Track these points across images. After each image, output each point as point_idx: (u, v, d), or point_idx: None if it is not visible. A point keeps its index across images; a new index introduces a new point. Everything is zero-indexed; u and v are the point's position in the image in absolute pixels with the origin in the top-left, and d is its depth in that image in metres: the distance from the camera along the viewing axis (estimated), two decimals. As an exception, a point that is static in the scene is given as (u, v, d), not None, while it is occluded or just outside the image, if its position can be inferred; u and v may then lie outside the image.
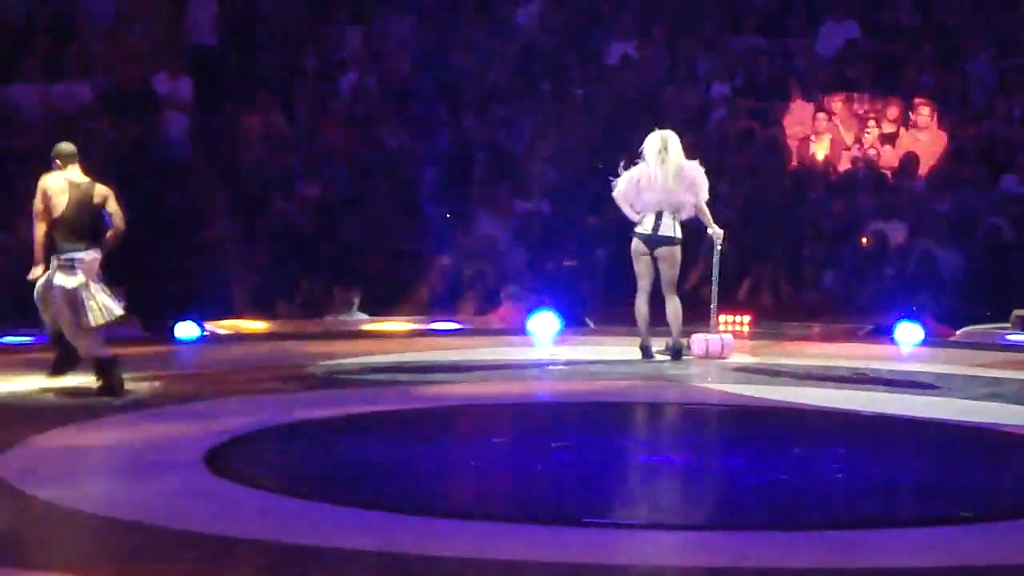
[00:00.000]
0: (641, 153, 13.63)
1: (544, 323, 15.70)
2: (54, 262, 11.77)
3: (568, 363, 13.96)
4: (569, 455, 9.88)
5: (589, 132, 18.83)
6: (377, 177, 18.57)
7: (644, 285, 13.68)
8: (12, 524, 8.11)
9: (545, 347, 15.03)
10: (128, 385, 12.14)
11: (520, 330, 15.79)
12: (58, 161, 11.83)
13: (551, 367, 13.91)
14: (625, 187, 13.62)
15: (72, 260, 11.69)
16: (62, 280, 11.69)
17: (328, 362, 13.81)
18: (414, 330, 16.08)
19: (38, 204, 11.68)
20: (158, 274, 16.55)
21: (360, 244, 17.68)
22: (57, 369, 12.07)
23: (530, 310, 16.06)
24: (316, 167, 18.71)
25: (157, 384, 12.43)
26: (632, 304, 13.82)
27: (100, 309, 11.75)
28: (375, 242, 17.78)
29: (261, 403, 11.60)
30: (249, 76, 19.40)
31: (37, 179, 15.89)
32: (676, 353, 13.72)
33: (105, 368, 11.78)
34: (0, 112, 17.90)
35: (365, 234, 17.83)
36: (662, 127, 13.88)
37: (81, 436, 10.41)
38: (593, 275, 17.58)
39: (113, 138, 18.05)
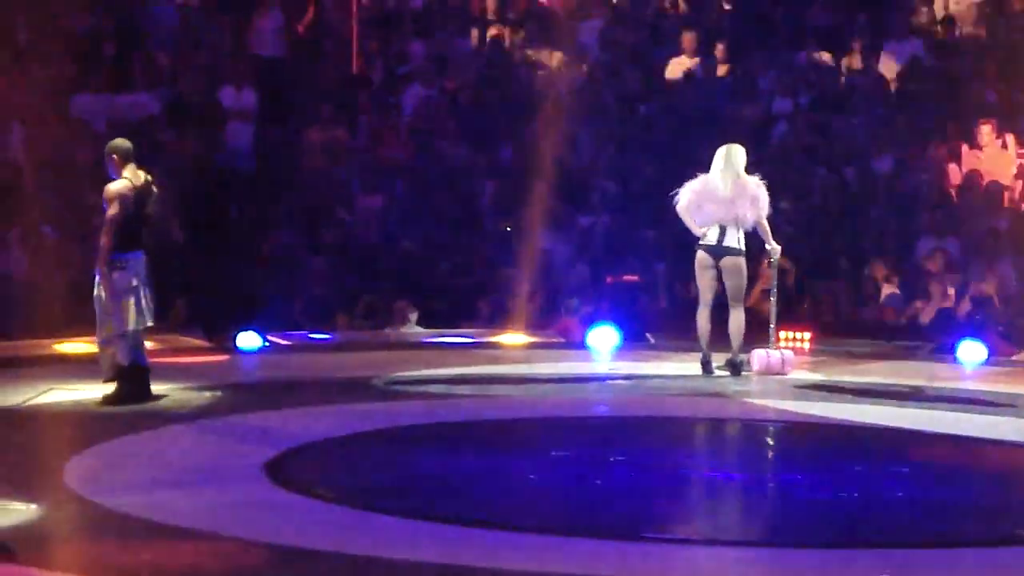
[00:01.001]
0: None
1: (604, 337, 15.70)
2: (108, 265, 11.71)
3: (627, 377, 13.95)
4: (628, 470, 9.89)
5: (651, 147, 18.83)
6: (438, 190, 18.63)
7: (707, 299, 13.67)
8: (76, 531, 8.20)
9: (605, 361, 15.03)
10: (190, 395, 12.23)
11: (580, 344, 15.80)
12: (115, 157, 11.77)
13: (610, 381, 13.91)
14: (687, 200, 13.61)
15: (126, 262, 11.72)
16: (118, 280, 11.70)
17: (388, 374, 13.85)
18: (474, 343, 16.10)
19: (116, 211, 11.66)
20: (221, 285, 16.68)
21: (420, 257, 17.74)
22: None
23: (590, 324, 16.06)
24: (378, 180, 18.80)
25: (219, 394, 12.51)
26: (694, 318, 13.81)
27: (142, 313, 11.76)
28: (435, 255, 17.83)
29: (321, 414, 11.66)
30: (313, 88, 19.51)
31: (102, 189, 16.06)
32: (735, 368, 13.70)
33: (123, 376, 11.80)
34: (67, 123, 18.07)
35: (425, 247, 17.89)
36: (722, 142, 13.87)
37: (143, 445, 10.50)
38: (653, 289, 17.57)
39: (178, 149, 18.20)
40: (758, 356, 13.86)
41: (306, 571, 7.50)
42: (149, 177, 11.88)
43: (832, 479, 9.68)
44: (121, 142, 11.88)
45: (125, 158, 11.75)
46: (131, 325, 11.73)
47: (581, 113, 19.26)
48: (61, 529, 8.21)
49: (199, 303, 16.35)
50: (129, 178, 11.72)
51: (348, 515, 8.56)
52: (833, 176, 18.62)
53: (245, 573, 7.43)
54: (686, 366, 14.18)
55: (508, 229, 18.17)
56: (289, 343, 15.66)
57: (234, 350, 15.08)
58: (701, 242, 13.58)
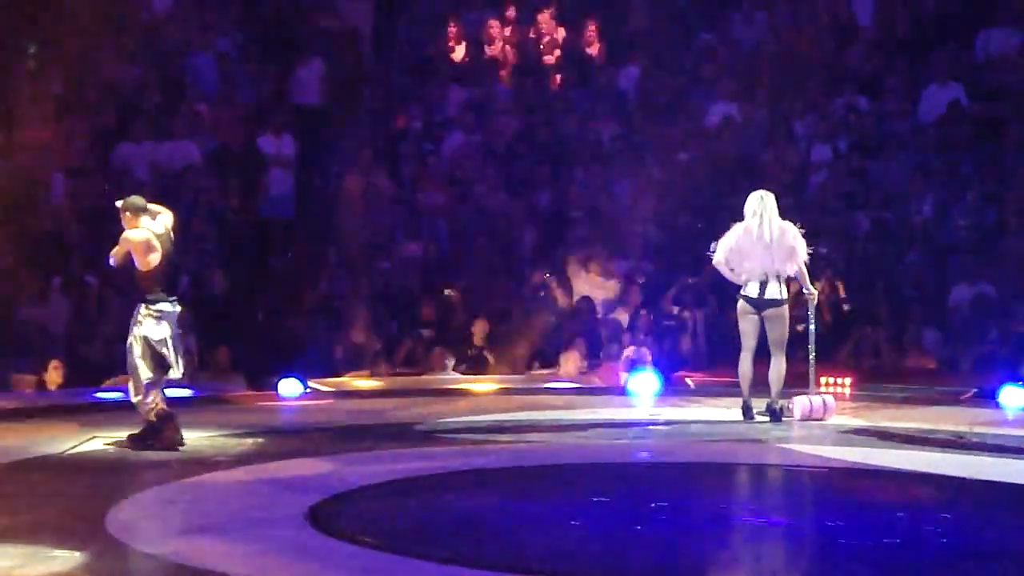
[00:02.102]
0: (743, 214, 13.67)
1: (644, 383, 15.69)
2: (142, 311, 11.85)
3: (668, 423, 13.93)
4: (668, 515, 9.87)
5: (690, 193, 18.86)
6: (477, 237, 18.69)
7: (749, 344, 13.66)
8: (118, 577, 8.24)
9: (645, 406, 15.01)
10: (232, 442, 12.29)
11: (620, 390, 15.79)
12: (127, 213, 11.83)
13: (651, 427, 13.89)
14: (724, 254, 13.62)
15: (161, 312, 11.79)
16: (150, 330, 11.80)
17: (429, 420, 13.87)
18: (514, 389, 16.09)
19: (154, 257, 11.73)
20: (262, 331, 16.77)
21: (459, 303, 17.78)
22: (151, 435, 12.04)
23: (630, 369, 16.05)
24: (417, 227, 18.87)
25: (261, 441, 12.55)
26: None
27: (175, 363, 11.83)
28: (475, 302, 17.87)
29: (363, 460, 11.68)
30: (353, 136, 19.63)
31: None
32: (775, 415, 13.67)
33: (154, 426, 11.86)
34: (111, 171, 18.22)
35: (465, 294, 17.94)
36: (761, 188, 13.89)
37: (185, 492, 10.53)
38: (693, 335, 17.56)
39: (219, 197, 18.33)
40: (799, 403, 13.83)
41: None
42: (166, 222, 11.95)
43: (874, 525, 9.64)
44: (134, 199, 11.99)
45: (136, 213, 11.85)
46: (161, 373, 11.80)
47: (620, 160, 19.31)
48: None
49: (241, 350, 16.43)
50: (148, 227, 11.80)
51: (391, 561, 8.57)
52: (872, 221, 18.60)
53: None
54: (726, 411, 14.16)
55: (548, 276, 18.20)
56: (330, 390, 15.70)
57: (275, 397, 15.13)
58: (743, 292, 13.59)
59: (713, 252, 13.71)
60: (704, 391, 15.72)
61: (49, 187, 17.77)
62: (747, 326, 13.62)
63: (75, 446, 12.25)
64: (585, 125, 20.00)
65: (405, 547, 8.79)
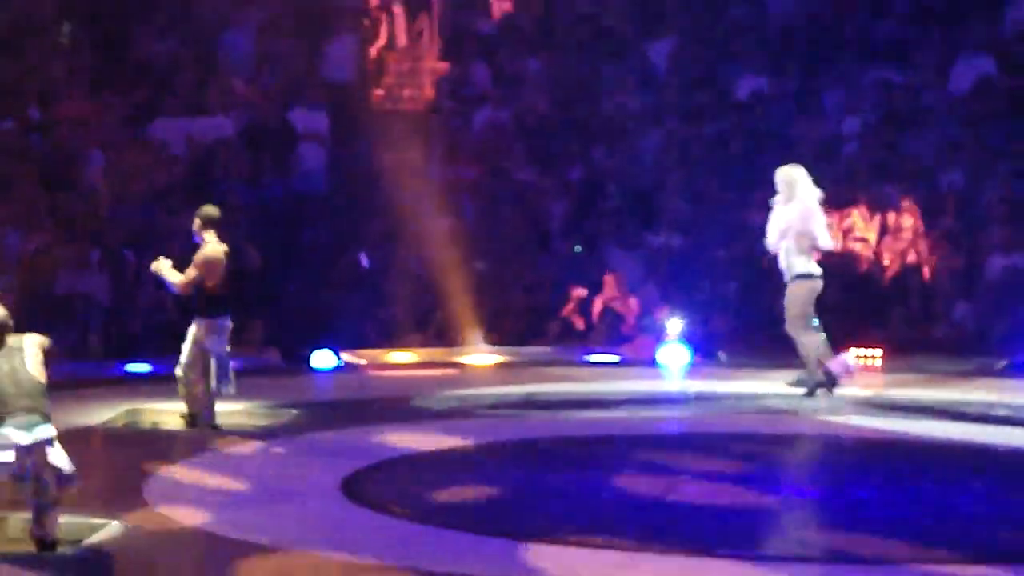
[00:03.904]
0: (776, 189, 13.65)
1: (675, 356, 15.76)
2: (201, 324, 11.86)
3: (699, 395, 13.98)
4: (700, 486, 9.94)
5: (720, 166, 18.86)
6: (507, 211, 18.74)
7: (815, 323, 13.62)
8: (155, 548, 8.36)
9: (676, 380, 15.08)
10: (266, 414, 12.42)
11: (651, 362, 15.84)
12: (198, 220, 11.93)
13: (682, 399, 13.96)
14: (776, 237, 13.57)
15: (222, 328, 11.89)
16: (212, 344, 11.85)
17: (461, 392, 13.96)
18: (544, 362, 16.16)
19: (191, 273, 11.75)
20: (296, 305, 16.88)
21: (490, 277, 17.84)
22: (190, 422, 12.13)
23: (661, 343, 16.11)
24: (448, 201, 18.92)
25: (294, 413, 12.66)
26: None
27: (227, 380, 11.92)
28: (505, 275, 17.94)
29: (396, 431, 11.78)
30: (385, 110, 19.68)
31: (179, 212, 16.30)
32: (810, 386, 13.59)
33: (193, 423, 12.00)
34: (145, 148, 18.34)
35: (495, 267, 18.00)
36: (791, 161, 13.90)
37: (220, 463, 10.66)
38: (724, 308, 17.59)
39: (252, 171, 18.43)
40: (840, 363, 13.73)
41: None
42: (225, 248, 12.01)
43: (907, 496, 9.70)
44: (208, 208, 12.07)
45: (205, 224, 11.92)
46: (213, 388, 11.86)
47: (650, 133, 19.33)
48: (142, 545, 8.37)
49: (275, 323, 16.55)
50: (219, 243, 11.88)
51: (423, 532, 8.67)
52: (901, 191, 18.58)
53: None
54: (757, 384, 14.21)
55: (578, 249, 18.25)
56: (363, 362, 15.81)
57: (309, 369, 15.24)
58: (816, 274, 13.50)
59: (772, 242, 13.58)
60: (736, 364, 15.76)
61: (86, 162, 17.89)
62: (812, 306, 13.57)
63: (113, 417, 12.40)
64: (616, 99, 20.01)
65: (438, 518, 8.89)
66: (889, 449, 11.50)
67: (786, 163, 13.94)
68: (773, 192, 13.76)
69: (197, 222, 11.95)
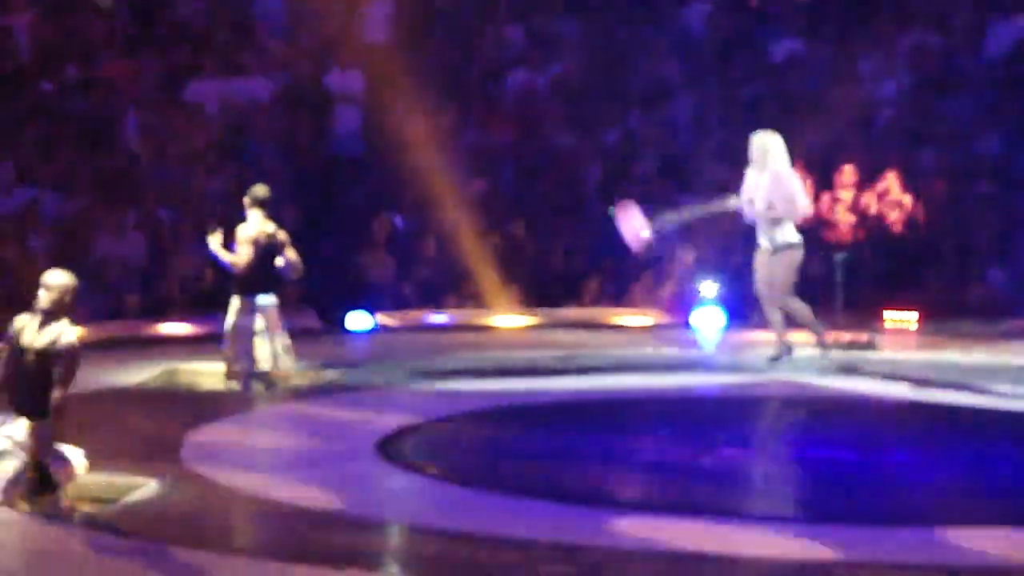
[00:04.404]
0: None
1: (710, 319, 15.78)
2: (236, 303, 11.96)
3: (733, 358, 14.01)
4: (735, 450, 9.98)
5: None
6: (542, 175, 18.75)
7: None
8: (194, 508, 8.45)
9: (711, 343, 15.10)
10: (304, 375, 12.50)
11: (685, 325, 15.87)
12: (246, 199, 12.06)
13: (716, 362, 13.99)
14: (760, 205, 13.35)
15: (255, 306, 11.93)
16: (243, 321, 11.90)
17: (495, 354, 14.01)
18: (579, 325, 16.19)
19: (242, 259, 11.85)
20: (332, 267, 16.94)
21: (525, 240, 17.88)
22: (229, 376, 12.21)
23: (696, 306, 16.13)
24: (483, 164, 18.95)
25: (330, 374, 12.74)
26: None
27: (270, 357, 11.95)
28: (540, 238, 17.96)
29: (432, 394, 11.85)
30: (421, 73, 19.69)
31: (215, 173, 16.39)
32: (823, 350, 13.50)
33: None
34: (181, 109, 18.41)
35: (530, 230, 18.03)
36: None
37: (257, 424, 10.76)
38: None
39: (288, 132, 18.49)
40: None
41: (416, 546, 7.69)
42: (275, 227, 12.07)
43: (940, 460, 9.74)
44: (258, 187, 12.17)
45: (253, 203, 12.03)
46: (262, 367, 11.91)
47: (686, 97, 19.30)
48: (178, 505, 8.46)
49: (311, 285, 16.63)
50: (260, 223, 11.96)
51: (459, 493, 8.74)
52: (937, 155, 18.53)
53: (358, 549, 7.62)
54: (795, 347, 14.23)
55: (614, 211, 18.25)
56: (399, 324, 15.88)
57: (345, 331, 15.32)
58: (798, 243, 13.30)
59: (804, 204, 13.47)
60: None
61: (123, 124, 17.97)
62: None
63: (151, 378, 12.50)
64: (652, 62, 19.98)
65: (473, 479, 8.96)
66: (921, 412, 11.51)
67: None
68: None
69: (247, 200, 12.04)
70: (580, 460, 9.70)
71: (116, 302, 15.75)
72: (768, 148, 13.38)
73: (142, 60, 18.69)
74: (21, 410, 8.32)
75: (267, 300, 11.99)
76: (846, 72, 19.52)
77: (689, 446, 10.09)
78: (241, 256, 11.84)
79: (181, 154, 17.68)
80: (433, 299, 17.06)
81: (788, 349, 13.29)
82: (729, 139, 18.77)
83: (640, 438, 10.41)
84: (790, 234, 13.21)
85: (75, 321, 8.50)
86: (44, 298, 8.38)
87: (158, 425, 10.58)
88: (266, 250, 11.96)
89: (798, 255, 13.23)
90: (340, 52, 19.55)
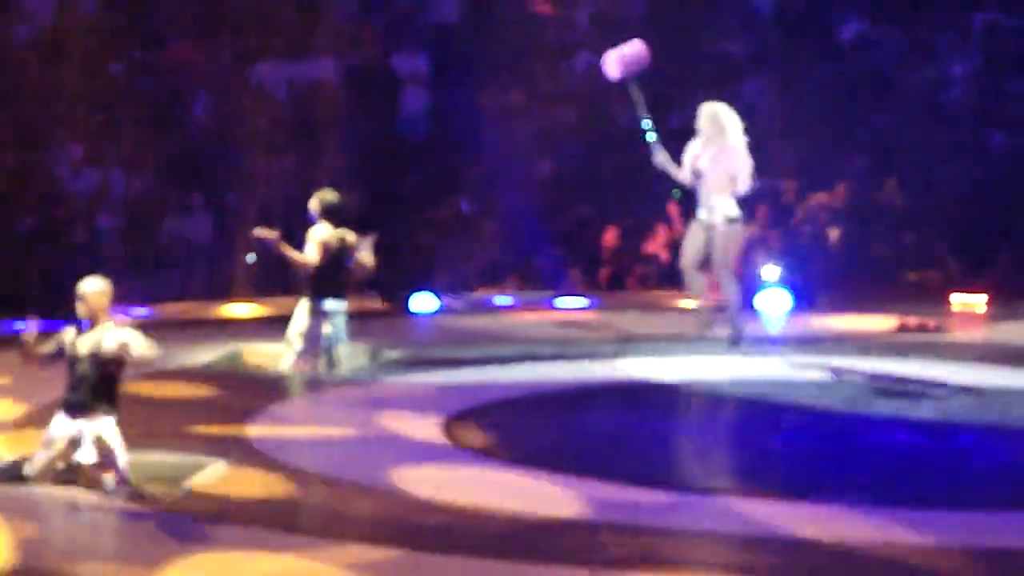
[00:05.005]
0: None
1: (773, 300, 15.70)
2: (305, 305, 11.91)
3: (798, 340, 13.94)
4: (801, 431, 9.94)
5: (823, 109, 18.70)
6: (607, 155, 18.72)
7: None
8: (260, 488, 8.49)
9: (774, 324, 15.03)
10: (368, 356, 12.54)
11: (748, 307, 15.78)
12: (313, 205, 11.96)
13: (779, 344, 13.93)
14: (713, 175, 12.91)
15: (323, 310, 11.88)
16: (311, 325, 11.87)
17: (558, 335, 14.00)
18: (642, 307, 16.15)
19: (311, 259, 11.82)
20: (397, 248, 16.99)
21: (592, 220, 17.87)
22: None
23: (759, 287, 16.06)
24: (550, 144, 18.93)
25: (396, 355, 12.77)
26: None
27: (333, 364, 11.97)
28: (604, 219, 17.94)
29: (496, 375, 11.85)
30: (489, 54, 19.69)
31: (281, 155, 16.44)
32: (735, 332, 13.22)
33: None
34: (249, 91, 18.49)
35: (595, 211, 18.01)
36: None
37: (322, 405, 10.80)
38: (826, 252, 17.49)
39: (355, 114, 18.54)
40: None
41: (479, 529, 7.70)
42: (345, 231, 12.05)
43: (1008, 444, 9.67)
44: (327, 194, 12.09)
45: (323, 211, 11.95)
46: (322, 369, 11.95)
47: (752, 77, 19.20)
48: (245, 485, 8.51)
49: (376, 266, 16.67)
50: (329, 227, 11.91)
51: (524, 474, 8.75)
52: (1008, 138, 18.38)
53: (421, 530, 7.65)
54: (857, 328, 14.15)
55: (676, 194, 18.20)
56: (463, 305, 15.90)
57: (410, 312, 15.35)
58: (740, 218, 13.00)
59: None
60: (834, 308, 15.67)
61: (191, 105, 18.08)
62: None
63: (217, 358, 12.57)
64: (719, 44, 19.89)
65: (538, 461, 8.96)
66: (989, 396, 11.39)
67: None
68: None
69: (315, 205, 11.97)
70: (647, 442, 9.67)
71: (182, 282, 15.86)
72: (724, 119, 12.99)
73: (210, 42, 18.78)
74: (83, 411, 8.42)
75: (336, 306, 11.97)
76: (915, 53, 19.37)
77: (759, 427, 10.04)
78: (311, 256, 11.82)
79: (248, 136, 17.77)
80: (497, 280, 17.07)
81: (740, 333, 12.99)
82: (796, 120, 18.69)
83: (703, 418, 10.36)
84: (736, 208, 12.88)
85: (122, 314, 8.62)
86: (81, 309, 8.48)
87: (224, 405, 10.64)
88: (337, 255, 11.93)
89: (741, 228, 13.02)
90: (407, 33, 19.58)
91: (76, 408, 8.44)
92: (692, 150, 12.99)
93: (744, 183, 12.81)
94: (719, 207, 12.77)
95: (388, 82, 19.03)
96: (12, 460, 8.72)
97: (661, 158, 13.09)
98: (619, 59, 13.01)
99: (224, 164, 17.34)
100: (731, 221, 12.80)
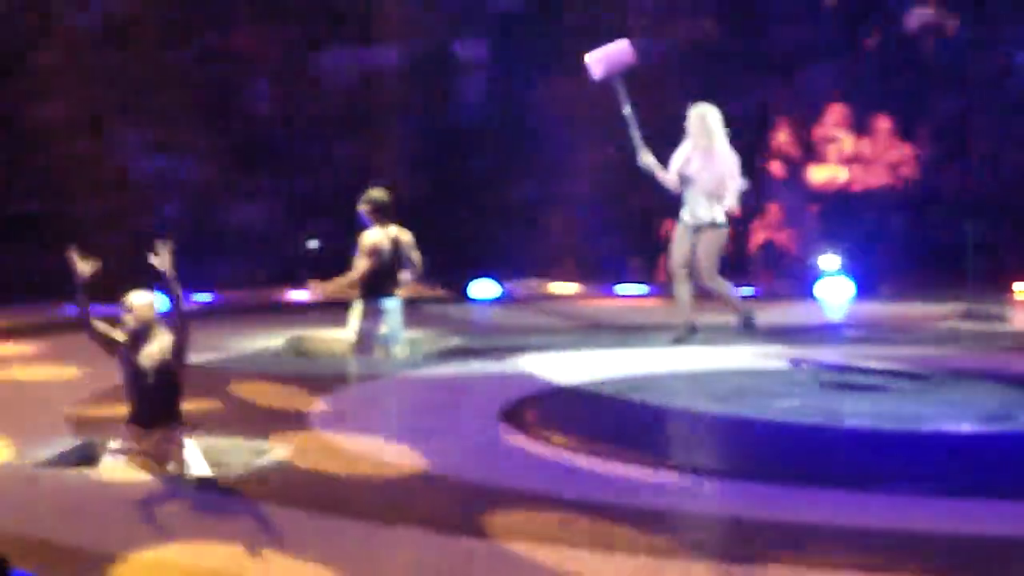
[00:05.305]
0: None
1: (835, 289, 15.65)
2: (359, 307, 11.97)
3: (862, 328, 13.88)
4: (868, 420, 9.88)
5: (887, 98, 18.60)
6: (671, 143, 18.65)
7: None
8: (321, 473, 8.53)
9: (837, 312, 14.97)
10: (427, 342, 12.58)
11: (810, 295, 15.74)
12: (366, 206, 11.96)
13: (844, 332, 13.87)
14: (709, 179, 12.76)
15: (378, 310, 11.91)
16: (366, 325, 11.94)
17: (620, 323, 13.99)
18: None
19: (361, 269, 11.85)
20: (457, 235, 17.03)
21: (653, 208, 17.82)
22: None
23: (820, 276, 16.01)
24: (610, 131, 18.88)
25: (455, 342, 12.80)
26: None
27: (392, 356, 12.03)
28: (664, 207, 17.89)
29: (560, 361, 11.85)
30: (549, 40, 19.68)
31: (344, 142, 16.48)
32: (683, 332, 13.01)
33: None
34: (311, 78, 18.56)
35: (654, 199, 17.95)
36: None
37: (383, 391, 10.84)
38: (888, 241, 17.41)
39: (416, 102, 18.58)
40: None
41: (535, 513, 7.70)
42: (398, 229, 12.06)
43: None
44: (376, 193, 12.10)
45: (374, 210, 11.96)
46: (381, 357, 11.96)
47: (816, 65, 19.11)
48: (306, 470, 8.56)
49: (436, 253, 16.72)
50: (382, 230, 11.93)
51: (583, 462, 8.75)
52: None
53: (481, 517, 7.66)
54: (916, 316, 14.07)
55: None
56: (525, 292, 15.93)
57: (470, 299, 15.38)
58: (726, 223, 12.78)
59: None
60: (898, 298, 15.61)
61: (254, 92, 18.17)
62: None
63: (280, 344, 12.64)
64: (782, 31, 19.80)
65: (597, 448, 8.96)
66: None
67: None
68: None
69: (365, 207, 11.99)
70: (711, 431, 9.65)
71: (246, 268, 15.96)
72: (711, 124, 12.81)
73: (273, 29, 18.87)
74: (151, 422, 8.50)
75: (391, 304, 11.98)
76: (981, 40, 19.22)
77: (825, 416, 9.99)
78: (360, 267, 11.81)
79: (310, 123, 17.84)
80: (559, 267, 17.08)
81: (692, 328, 12.82)
82: (859, 109, 18.60)
83: (767, 407, 10.30)
84: (721, 212, 12.67)
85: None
86: (129, 320, 8.54)
87: (286, 390, 10.70)
88: (391, 255, 11.94)
89: (726, 233, 12.77)
90: (467, 20, 19.60)
91: (147, 420, 8.50)
92: (681, 153, 12.84)
93: (734, 187, 12.60)
94: (706, 211, 12.60)
95: (450, 68, 19.06)
96: (82, 442, 8.81)
97: (647, 160, 12.92)
98: (603, 58, 12.88)
99: (287, 151, 17.41)
100: (717, 225, 12.62)
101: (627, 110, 12.80)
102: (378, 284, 11.88)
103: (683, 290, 12.79)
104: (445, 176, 17.45)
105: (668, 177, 12.88)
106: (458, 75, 19.03)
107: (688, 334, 12.84)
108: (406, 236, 12.07)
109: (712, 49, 19.70)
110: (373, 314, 11.89)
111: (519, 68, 19.21)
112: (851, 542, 7.22)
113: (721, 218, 12.62)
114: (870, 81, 18.97)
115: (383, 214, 11.97)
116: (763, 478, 8.35)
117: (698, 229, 12.60)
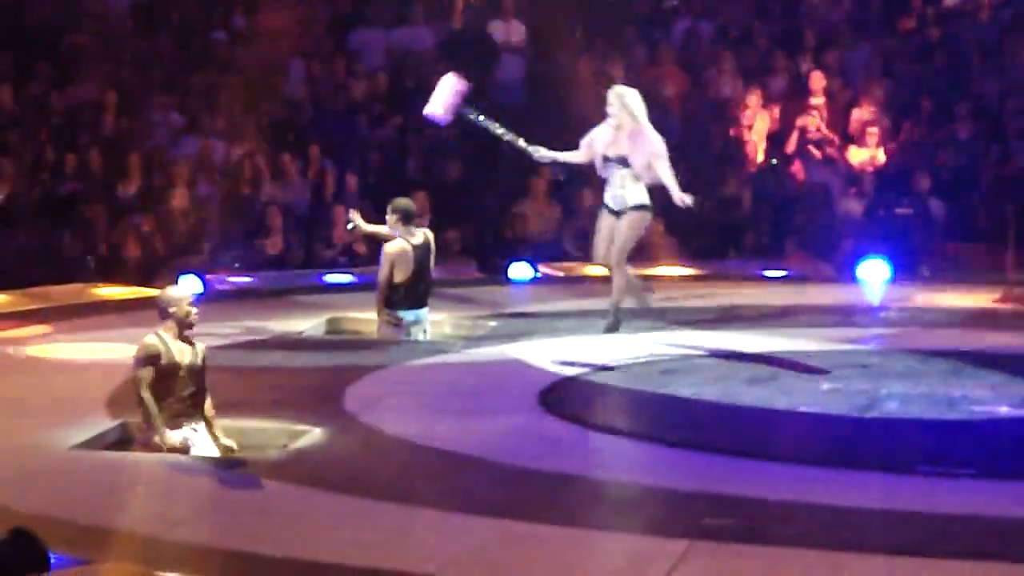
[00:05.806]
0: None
1: (875, 271, 15.54)
2: (384, 317, 11.78)
3: (899, 310, 13.80)
4: (898, 403, 9.82)
5: (927, 77, 18.47)
6: (706, 124, 18.59)
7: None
8: (358, 456, 8.53)
9: (875, 294, 14.88)
10: (463, 325, 12.56)
11: (850, 277, 15.64)
12: (393, 215, 11.73)
13: (881, 314, 13.80)
14: (642, 161, 12.15)
15: (401, 319, 11.75)
16: (387, 334, 11.77)
17: (654, 305, 13.91)
18: (739, 277, 16.04)
19: (386, 273, 11.65)
20: (493, 217, 16.99)
21: (687, 189, 17.72)
22: None
23: (861, 257, 15.89)
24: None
25: (491, 324, 12.77)
26: None
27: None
28: (702, 188, 17.80)
29: (592, 344, 11.79)
30: (584, 22, 19.62)
31: (379, 123, 16.43)
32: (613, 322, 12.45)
33: None
34: (345, 58, 18.55)
35: (692, 179, 17.86)
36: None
37: (419, 373, 10.81)
38: (928, 223, 17.29)
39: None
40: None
41: (571, 497, 7.68)
42: (428, 233, 11.93)
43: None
44: (403, 201, 11.93)
45: (401, 217, 11.75)
46: (417, 338, 11.84)
47: (855, 44, 18.99)
48: (342, 453, 8.55)
49: (472, 235, 16.70)
50: (405, 238, 11.74)
51: (620, 444, 8.73)
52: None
53: (519, 499, 7.64)
54: (959, 299, 13.98)
55: (775, 163, 18.07)
56: (560, 275, 15.88)
57: (506, 281, 15.35)
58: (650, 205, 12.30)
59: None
60: (938, 279, 15.49)
61: (288, 72, 18.17)
62: None
63: (315, 326, 12.64)
64: (820, 10, 19.68)
65: (634, 430, 8.93)
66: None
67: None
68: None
69: (392, 217, 11.77)
70: (742, 413, 9.59)
71: (280, 250, 15.95)
72: (632, 105, 12.33)
73: (308, 9, 18.85)
74: (194, 420, 8.52)
75: (415, 316, 11.80)
76: (1020, 19, 19.06)
77: (856, 399, 9.93)
78: (384, 276, 11.65)
79: (345, 103, 17.82)
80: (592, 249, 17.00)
81: (618, 322, 12.29)
82: (897, 88, 18.47)
83: (807, 391, 10.23)
84: (646, 195, 12.20)
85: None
86: (178, 313, 8.55)
87: (321, 373, 10.69)
88: (419, 264, 11.73)
89: (650, 216, 12.39)
90: (504, 1, 19.54)
91: (187, 418, 8.49)
92: (599, 136, 12.32)
93: (665, 167, 12.10)
94: (633, 195, 12.07)
95: (486, 49, 18.99)
96: (118, 423, 8.82)
97: (542, 153, 12.65)
98: (440, 104, 12.70)
99: (322, 132, 17.40)
100: (641, 208, 12.13)
101: (497, 130, 12.61)
102: (399, 296, 11.73)
103: (621, 274, 12.24)
104: (481, 157, 17.38)
105: (575, 154, 12.44)
106: (494, 55, 18.96)
107: (646, 303, 12.53)
108: (432, 236, 11.93)
109: (749, 31, 19.62)
110: (391, 324, 11.73)
111: (554, 49, 19.14)
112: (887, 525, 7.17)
113: (647, 200, 12.12)
114: (909, 60, 18.84)
115: (410, 219, 11.81)
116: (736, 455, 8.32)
117: (621, 213, 12.11)
